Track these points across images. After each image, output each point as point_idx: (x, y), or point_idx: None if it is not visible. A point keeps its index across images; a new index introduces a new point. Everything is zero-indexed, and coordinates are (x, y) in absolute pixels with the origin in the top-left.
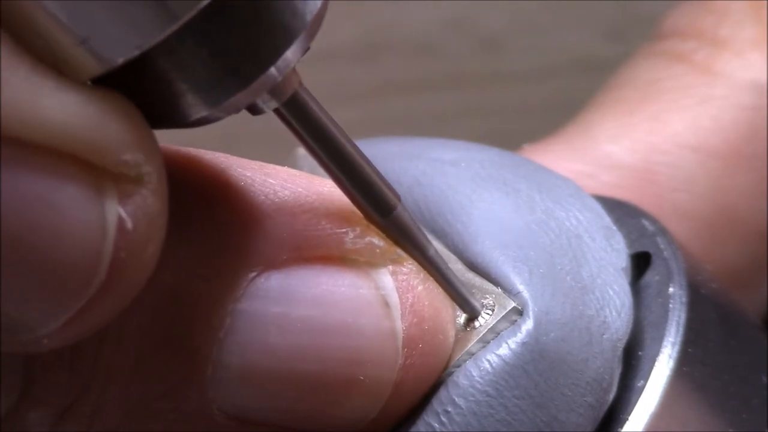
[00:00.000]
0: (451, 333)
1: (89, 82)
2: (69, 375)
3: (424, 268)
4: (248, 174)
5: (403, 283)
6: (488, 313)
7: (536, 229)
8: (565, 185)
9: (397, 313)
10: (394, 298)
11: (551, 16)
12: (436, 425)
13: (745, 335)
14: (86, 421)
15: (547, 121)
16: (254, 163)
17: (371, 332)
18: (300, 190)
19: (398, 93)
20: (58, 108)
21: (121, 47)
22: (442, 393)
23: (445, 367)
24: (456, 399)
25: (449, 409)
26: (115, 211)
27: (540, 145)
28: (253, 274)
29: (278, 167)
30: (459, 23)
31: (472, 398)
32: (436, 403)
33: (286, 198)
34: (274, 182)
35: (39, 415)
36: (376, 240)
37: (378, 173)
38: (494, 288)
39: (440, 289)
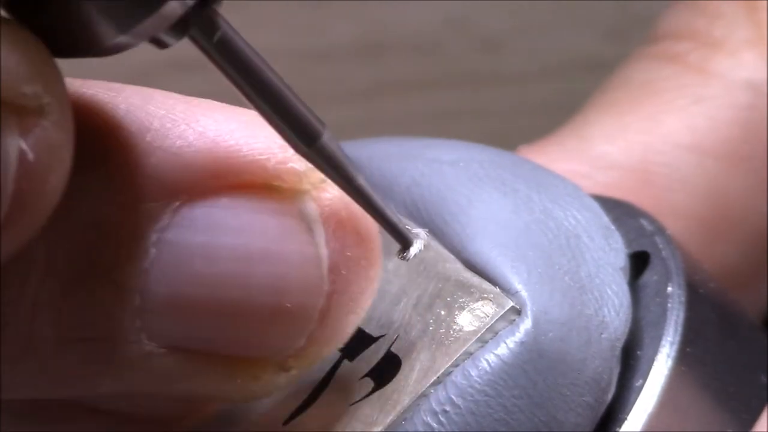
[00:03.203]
0: (377, 258)
1: None
2: None
3: (353, 198)
4: (170, 103)
5: (326, 209)
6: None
7: (534, 228)
8: (563, 185)
9: (321, 239)
10: (318, 224)
11: (551, 17)
12: (435, 425)
13: (744, 335)
14: (15, 354)
15: (548, 122)
16: (177, 96)
17: (296, 259)
18: (222, 118)
19: (397, 92)
20: None
21: None
22: (440, 393)
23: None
24: (454, 399)
25: (447, 409)
26: (16, 143)
27: (535, 145)
28: (177, 203)
29: (201, 99)
30: (459, 23)
31: (471, 398)
32: (434, 403)
33: (207, 125)
34: (196, 111)
35: None
36: (299, 165)
37: (301, 101)
38: (492, 287)
39: (365, 215)
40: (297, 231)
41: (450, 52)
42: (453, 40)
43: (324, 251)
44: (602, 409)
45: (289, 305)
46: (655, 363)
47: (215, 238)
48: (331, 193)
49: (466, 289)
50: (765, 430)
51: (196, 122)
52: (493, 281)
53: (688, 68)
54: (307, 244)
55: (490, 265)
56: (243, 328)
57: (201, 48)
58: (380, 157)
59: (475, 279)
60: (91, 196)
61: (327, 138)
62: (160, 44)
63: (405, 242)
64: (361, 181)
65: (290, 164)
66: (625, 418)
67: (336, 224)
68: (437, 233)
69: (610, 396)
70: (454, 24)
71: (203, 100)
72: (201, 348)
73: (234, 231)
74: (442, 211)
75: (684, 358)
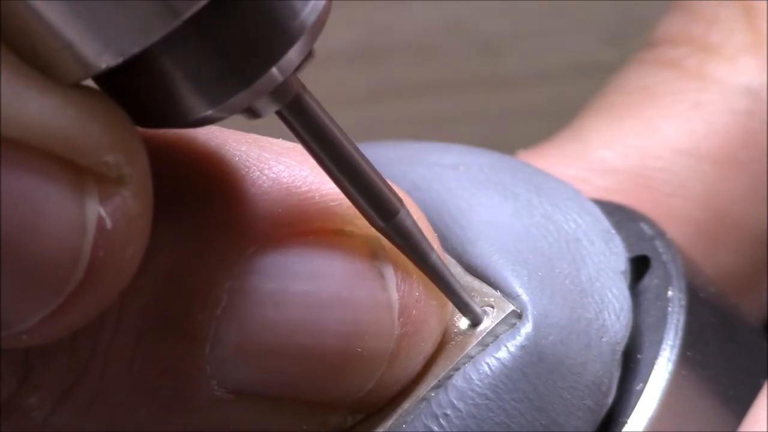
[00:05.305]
0: (446, 300)
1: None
2: (68, 359)
3: (425, 273)
4: (243, 149)
5: (396, 253)
6: (488, 317)
7: (535, 232)
8: (563, 189)
9: (392, 283)
10: (389, 269)
11: (552, 21)
12: (436, 428)
13: (743, 339)
14: (86, 403)
15: (546, 126)
16: (249, 137)
17: (367, 304)
18: (294, 163)
19: (398, 96)
20: (39, 109)
21: (105, 54)
22: (441, 396)
23: (443, 336)
24: (455, 402)
25: (448, 412)
26: (95, 210)
27: (534, 150)
28: (250, 251)
29: (273, 140)
30: (459, 27)
31: (471, 401)
32: (435, 406)
33: (280, 172)
34: (268, 156)
35: (38, 399)
36: None
37: (381, 177)
38: (493, 291)
39: None
40: (368, 276)
41: (449, 56)
42: (452, 44)
43: (394, 295)
44: (603, 412)
45: (360, 350)
46: (655, 366)
47: (287, 284)
48: None
49: (470, 296)
50: (757, 430)
51: (269, 169)
52: (493, 285)
53: (686, 73)
54: (379, 289)
55: (491, 268)
56: (313, 373)
57: (285, 121)
58: (381, 161)
59: (476, 283)
60: (164, 246)
61: (403, 214)
62: (253, 114)
63: (474, 318)
64: (434, 257)
65: None
66: (626, 422)
67: (405, 267)
68: (438, 237)
69: (610, 399)
70: (454, 28)
71: (275, 141)
72: (271, 393)
73: (306, 277)
74: (443, 215)
75: (684, 361)
